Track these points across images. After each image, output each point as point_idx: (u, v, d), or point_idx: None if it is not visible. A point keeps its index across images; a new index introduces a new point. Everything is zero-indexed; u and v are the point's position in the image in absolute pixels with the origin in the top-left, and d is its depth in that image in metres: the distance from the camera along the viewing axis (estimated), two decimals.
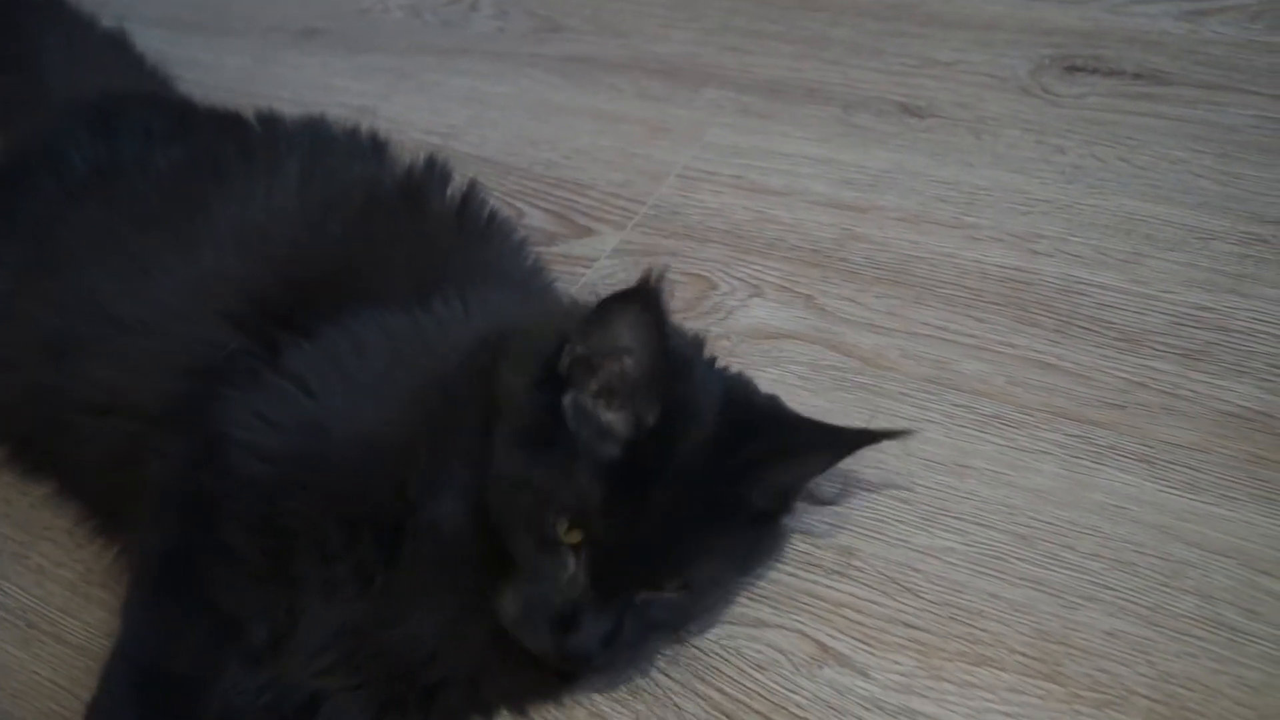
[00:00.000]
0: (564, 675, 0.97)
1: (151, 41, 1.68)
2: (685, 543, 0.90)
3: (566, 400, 0.90)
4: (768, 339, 1.23)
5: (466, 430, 0.91)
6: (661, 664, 1.00)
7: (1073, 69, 1.48)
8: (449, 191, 1.22)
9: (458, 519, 0.90)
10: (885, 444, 1.09)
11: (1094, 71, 1.47)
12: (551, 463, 0.88)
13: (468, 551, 0.90)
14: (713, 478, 0.91)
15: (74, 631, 1.08)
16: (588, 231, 1.39)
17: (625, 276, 1.29)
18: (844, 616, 1.01)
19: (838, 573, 1.04)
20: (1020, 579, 1.01)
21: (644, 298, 0.84)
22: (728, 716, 0.96)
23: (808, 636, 1.00)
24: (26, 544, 1.16)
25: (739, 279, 1.31)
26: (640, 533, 0.87)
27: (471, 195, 1.23)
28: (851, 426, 0.99)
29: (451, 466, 0.91)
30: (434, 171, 1.24)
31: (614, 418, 0.89)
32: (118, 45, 1.66)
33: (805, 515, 1.07)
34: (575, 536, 0.87)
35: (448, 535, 0.91)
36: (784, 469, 0.97)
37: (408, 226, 1.16)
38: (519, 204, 1.48)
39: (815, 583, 1.03)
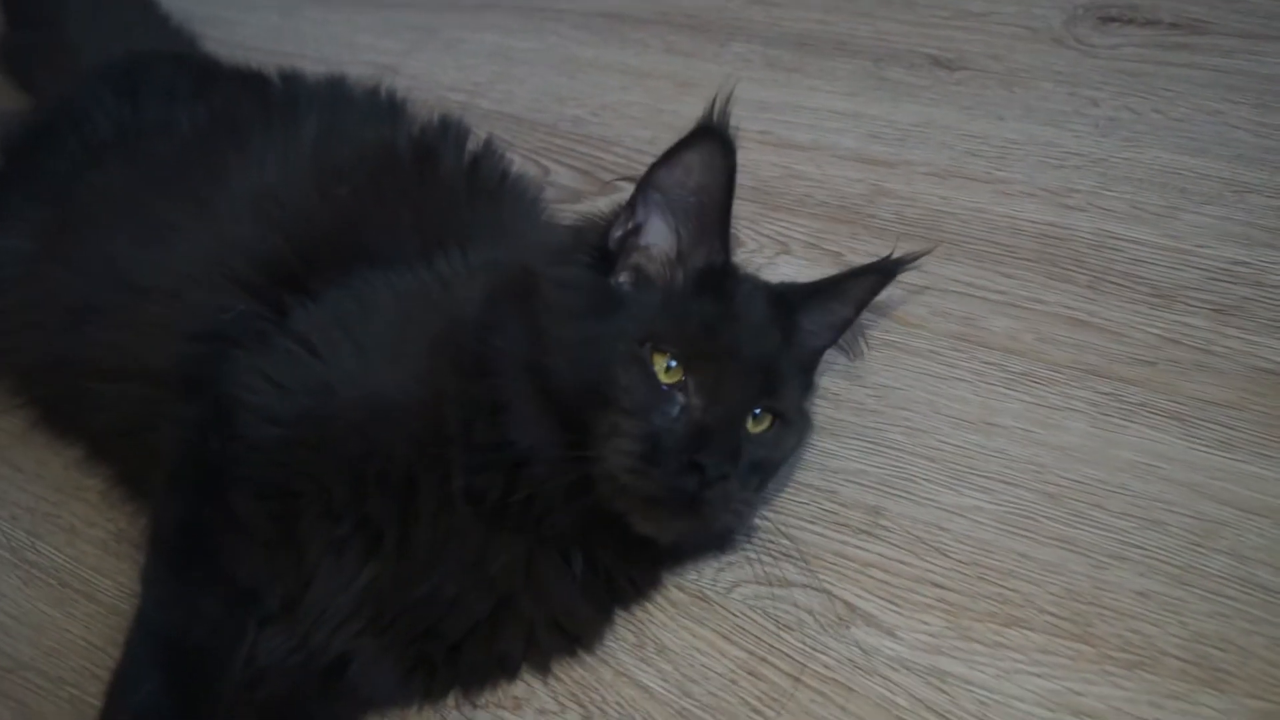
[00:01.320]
0: (659, 555, 0.99)
1: (183, 1, 1.67)
2: (768, 368, 0.93)
3: (630, 260, 0.95)
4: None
5: (512, 350, 0.91)
6: (689, 623, 1.00)
7: (1107, 19, 1.45)
8: (464, 151, 1.22)
9: (532, 426, 0.90)
10: (913, 403, 1.09)
11: (1129, 21, 1.44)
12: (629, 316, 0.91)
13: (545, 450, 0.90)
14: (772, 314, 0.96)
15: (106, 590, 1.09)
16: (613, 188, 1.37)
17: None
18: (871, 576, 1.00)
19: (865, 532, 1.03)
20: (1049, 538, 1.00)
21: (712, 133, 0.89)
22: (754, 676, 0.96)
23: (835, 596, 0.99)
24: (59, 504, 1.17)
25: (767, 236, 1.30)
26: (732, 356, 0.91)
27: (484, 155, 1.23)
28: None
29: (506, 386, 0.91)
30: (448, 131, 1.24)
31: (684, 252, 0.94)
32: (143, 4, 1.65)
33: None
34: (676, 374, 0.89)
35: (522, 442, 0.90)
36: (828, 303, 1.02)
37: (417, 187, 1.16)
38: (545, 161, 1.47)
39: (843, 542, 1.03)
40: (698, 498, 0.86)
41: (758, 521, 1.03)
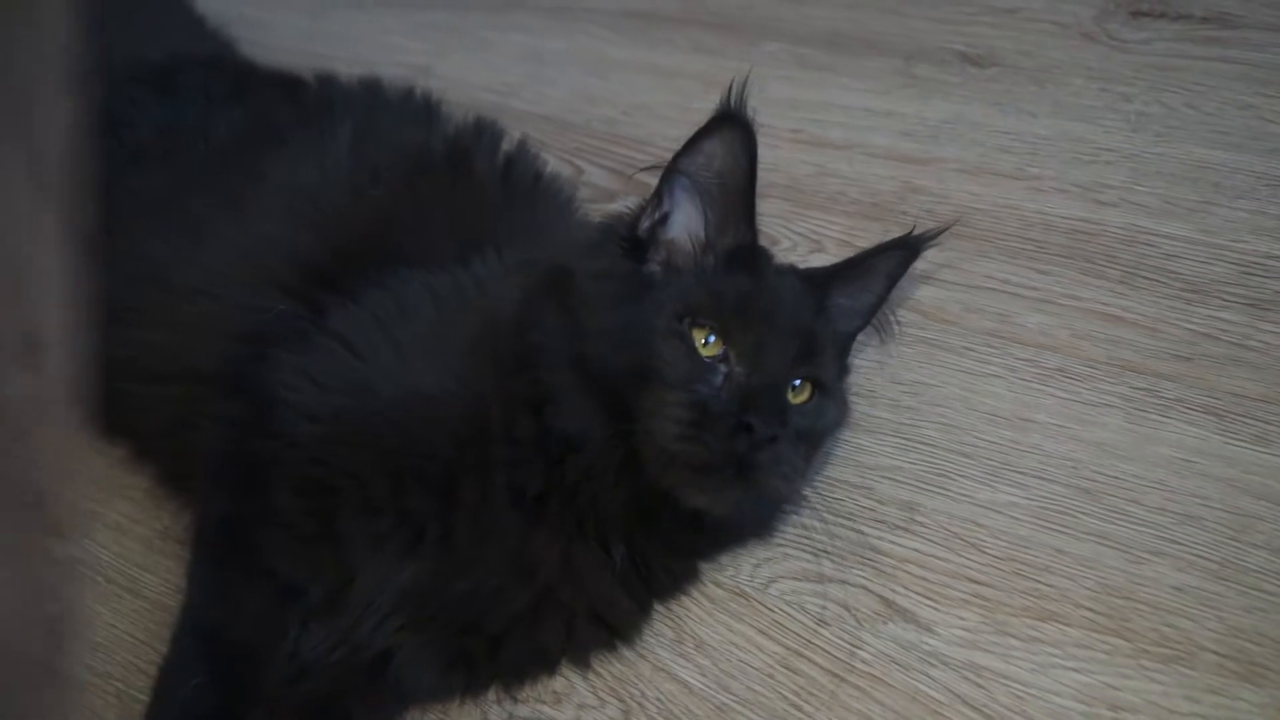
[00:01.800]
0: (700, 542, 1.01)
1: (211, 2, 1.69)
2: (805, 335, 0.96)
3: (660, 247, 0.98)
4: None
5: (553, 344, 0.94)
6: (726, 619, 1.01)
7: (1138, 13, 1.45)
8: (498, 152, 1.23)
9: (579, 414, 0.92)
10: (948, 399, 1.09)
11: (1160, 16, 1.44)
12: (665, 296, 0.94)
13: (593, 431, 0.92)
14: (803, 287, 1.00)
15: (151, 586, 1.11)
16: (647, 187, 1.38)
17: None
18: (908, 572, 1.01)
19: (901, 528, 1.04)
20: (1085, 534, 1.00)
21: (732, 118, 0.93)
22: (792, 671, 0.97)
23: (871, 592, 1.00)
24: (104, 502, 1.18)
25: (800, 234, 1.31)
26: (769, 324, 0.93)
27: (518, 156, 1.24)
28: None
29: (549, 378, 0.93)
30: (482, 133, 1.25)
31: (712, 236, 0.97)
32: (179, 6, 1.67)
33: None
34: (715, 347, 0.91)
35: (568, 429, 0.92)
36: (856, 281, 1.05)
37: (452, 189, 1.17)
38: (578, 161, 1.48)
39: (879, 538, 1.04)
40: (748, 460, 0.88)
41: (798, 511, 1.04)
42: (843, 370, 1.05)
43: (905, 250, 1.05)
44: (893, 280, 1.06)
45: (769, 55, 1.57)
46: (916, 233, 1.04)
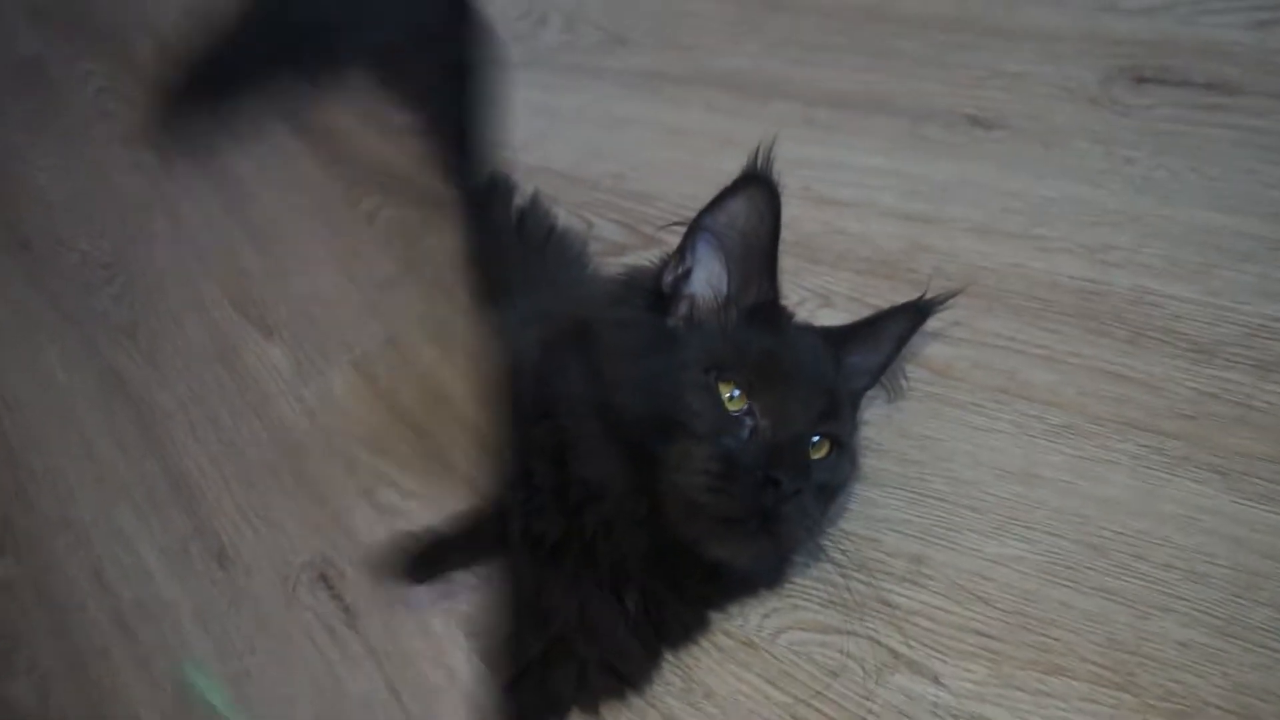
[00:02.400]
0: (713, 592, 1.03)
1: None
2: (827, 392, 0.98)
3: (683, 301, 1.00)
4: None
5: (575, 392, 0.95)
6: (735, 668, 1.02)
7: (1141, 79, 1.48)
8: (511, 206, 1.25)
9: (601, 461, 0.94)
10: (956, 454, 1.10)
11: (1163, 82, 1.47)
12: (691, 349, 0.95)
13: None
14: (823, 344, 1.03)
15: None
16: (656, 242, 1.40)
17: None
18: (915, 624, 1.02)
19: (909, 580, 1.05)
20: (1092, 588, 1.01)
21: (758, 179, 0.95)
22: None
23: (880, 643, 1.01)
24: None
25: (809, 289, 1.32)
26: (793, 381, 0.95)
27: (532, 210, 1.26)
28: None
29: (571, 426, 0.95)
30: (495, 187, 1.28)
31: (734, 292, 0.99)
32: None
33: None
34: (740, 402, 0.93)
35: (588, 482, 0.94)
36: (867, 342, 1.08)
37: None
38: (588, 215, 1.50)
39: (888, 590, 1.04)
40: (774, 514, 0.89)
41: (811, 563, 1.05)
42: (854, 426, 1.06)
43: (915, 314, 1.07)
44: (901, 341, 1.08)
45: (778, 114, 1.59)
46: (928, 297, 1.06)
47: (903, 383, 1.14)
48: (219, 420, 1.32)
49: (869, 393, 1.12)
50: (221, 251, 1.56)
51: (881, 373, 1.10)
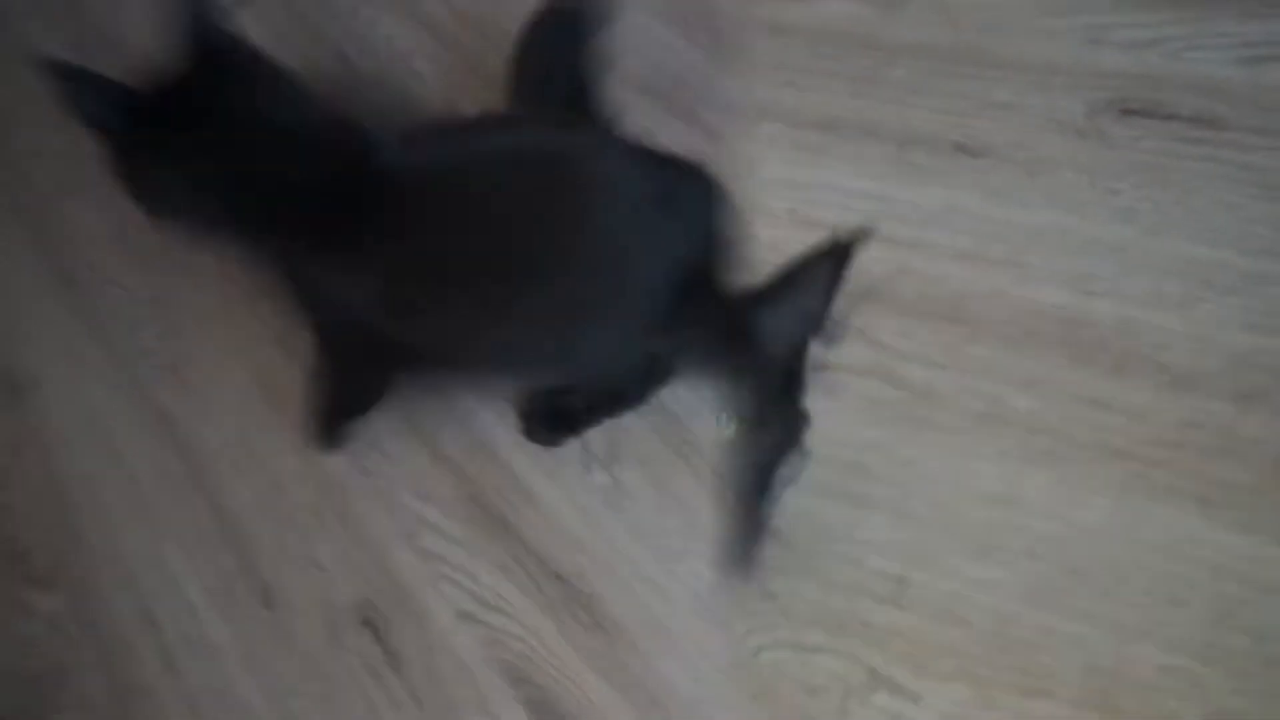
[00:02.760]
0: None
1: None
2: None
3: None
4: (822, 370, 1.24)
5: None
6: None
7: (1128, 111, 1.49)
8: None
9: None
10: (939, 478, 1.11)
11: (1150, 115, 1.48)
12: None
13: None
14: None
15: None
16: None
17: None
18: (896, 645, 1.02)
19: (890, 601, 1.05)
20: (1073, 613, 1.01)
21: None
22: None
23: (860, 662, 1.01)
24: None
25: None
26: None
27: None
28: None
29: None
30: None
31: None
32: None
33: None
34: None
35: None
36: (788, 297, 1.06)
37: None
38: None
39: (869, 610, 1.04)
40: None
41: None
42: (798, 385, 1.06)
43: (835, 256, 1.06)
44: (828, 291, 1.07)
45: (766, 137, 1.60)
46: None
47: (841, 334, 1.15)
48: (263, 459, 1.31)
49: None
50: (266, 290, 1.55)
51: (816, 324, 1.09)
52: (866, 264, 1.36)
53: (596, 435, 1.21)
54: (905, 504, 1.12)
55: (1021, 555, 1.06)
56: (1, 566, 1.25)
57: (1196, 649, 0.97)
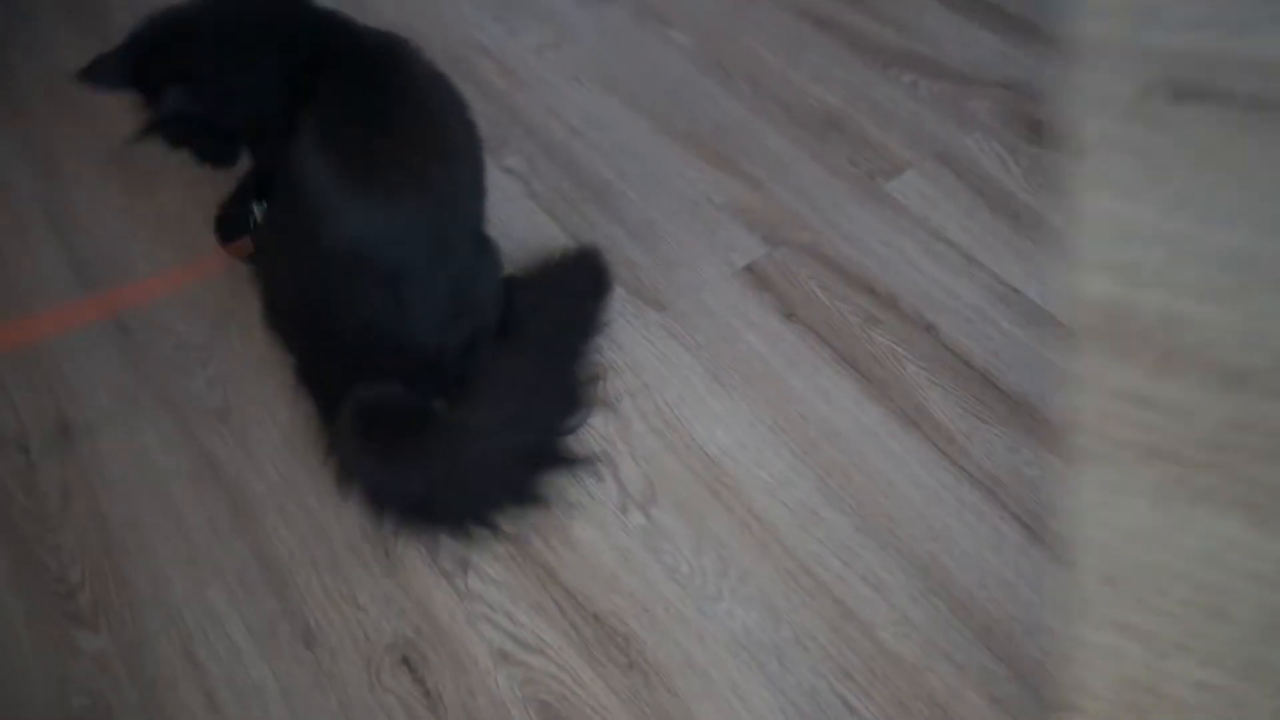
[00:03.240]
0: None
1: None
2: None
3: None
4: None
5: None
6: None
7: (1181, 94, 1.43)
8: None
9: None
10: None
11: (1203, 97, 1.42)
12: None
13: None
14: None
15: None
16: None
17: None
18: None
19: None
20: (1106, 623, 0.97)
21: None
22: None
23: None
24: None
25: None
26: None
27: None
28: None
29: None
30: None
31: None
32: None
33: None
34: None
35: None
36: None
37: None
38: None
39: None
40: None
41: None
42: None
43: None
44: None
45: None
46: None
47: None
48: (307, 505, 1.33)
49: None
50: None
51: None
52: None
53: (634, 477, 1.20)
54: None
55: (1054, 562, 1.01)
56: (49, 606, 1.25)
57: (1237, 665, 0.92)
